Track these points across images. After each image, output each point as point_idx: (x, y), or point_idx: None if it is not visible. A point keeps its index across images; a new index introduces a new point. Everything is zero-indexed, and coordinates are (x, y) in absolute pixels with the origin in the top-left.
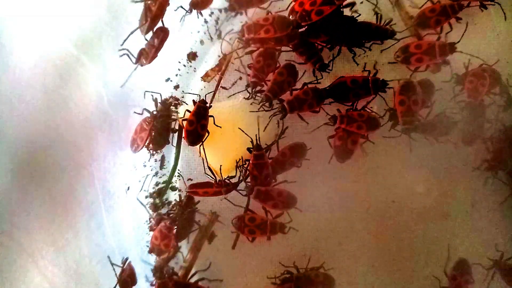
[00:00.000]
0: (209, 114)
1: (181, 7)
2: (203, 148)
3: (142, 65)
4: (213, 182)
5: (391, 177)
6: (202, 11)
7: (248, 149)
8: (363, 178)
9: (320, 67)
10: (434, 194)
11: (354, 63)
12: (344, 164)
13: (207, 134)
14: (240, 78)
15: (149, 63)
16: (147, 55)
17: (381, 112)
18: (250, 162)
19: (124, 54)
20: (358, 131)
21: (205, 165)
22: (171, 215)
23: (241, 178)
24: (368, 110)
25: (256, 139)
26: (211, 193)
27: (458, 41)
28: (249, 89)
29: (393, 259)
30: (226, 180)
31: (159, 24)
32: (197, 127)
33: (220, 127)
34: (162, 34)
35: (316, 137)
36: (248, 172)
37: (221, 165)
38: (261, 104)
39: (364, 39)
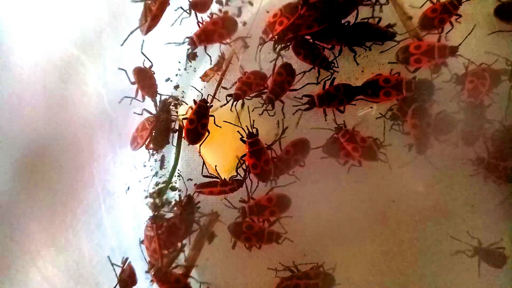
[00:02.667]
0: (209, 114)
1: (181, 8)
2: (199, 151)
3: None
4: (218, 181)
5: (391, 177)
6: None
7: (242, 139)
8: (363, 178)
9: (326, 66)
10: (434, 194)
11: (355, 62)
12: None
13: (207, 133)
14: (240, 78)
15: (153, 97)
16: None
17: (381, 113)
18: (247, 151)
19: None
20: (351, 152)
21: (203, 168)
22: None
23: (245, 175)
24: (376, 141)
25: (248, 128)
26: (216, 193)
27: (460, 44)
28: (231, 100)
29: (393, 259)
30: (230, 180)
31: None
32: (198, 126)
33: (220, 127)
34: (136, 76)
35: (317, 137)
36: (247, 166)
37: (216, 165)
38: (264, 106)
39: (365, 40)
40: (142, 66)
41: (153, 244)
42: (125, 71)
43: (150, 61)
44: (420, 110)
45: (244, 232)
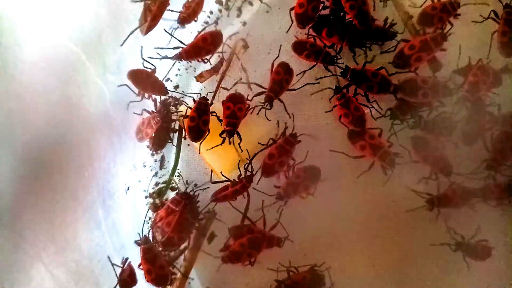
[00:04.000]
0: (210, 111)
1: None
2: (199, 151)
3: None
4: (228, 184)
5: (391, 177)
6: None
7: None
8: (363, 178)
9: (330, 60)
10: (434, 194)
11: (355, 62)
12: (344, 164)
13: (208, 131)
14: (241, 79)
15: (163, 94)
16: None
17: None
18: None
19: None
20: (343, 118)
21: (212, 174)
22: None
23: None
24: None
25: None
26: (230, 195)
27: (448, 31)
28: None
29: (393, 259)
30: (238, 179)
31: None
32: (199, 123)
33: (221, 124)
34: (132, 80)
35: (314, 137)
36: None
37: (215, 165)
38: (264, 105)
39: (365, 40)
40: (135, 68)
41: (171, 217)
42: (127, 85)
43: (152, 64)
44: (419, 142)
45: (244, 235)
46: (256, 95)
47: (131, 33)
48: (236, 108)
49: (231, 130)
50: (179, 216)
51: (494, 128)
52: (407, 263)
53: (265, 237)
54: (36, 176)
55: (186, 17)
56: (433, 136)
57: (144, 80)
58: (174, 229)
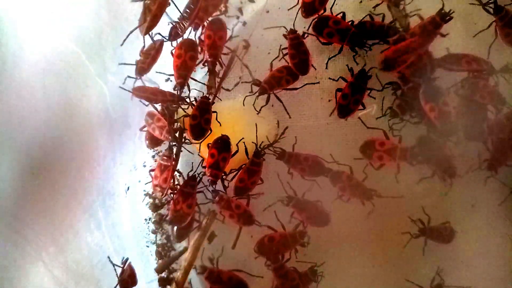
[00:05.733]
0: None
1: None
2: (199, 150)
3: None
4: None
5: (391, 177)
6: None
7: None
8: (363, 177)
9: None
10: (434, 194)
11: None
12: (344, 164)
13: (209, 131)
14: (240, 78)
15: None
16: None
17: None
18: None
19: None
20: None
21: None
22: None
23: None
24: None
25: None
26: (247, 177)
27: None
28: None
29: (392, 259)
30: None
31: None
32: (201, 121)
33: (220, 124)
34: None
35: (315, 137)
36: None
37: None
38: (256, 96)
39: (367, 39)
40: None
41: (165, 173)
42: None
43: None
44: (425, 141)
45: (269, 246)
46: (253, 83)
47: (131, 32)
48: (220, 157)
49: (213, 181)
50: (173, 169)
51: (494, 128)
52: (408, 263)
53: (287, 237)
54: (36, 176)
55: (145, 67)
56: (436, 134)
57: (148, 90)
58: (178, 197)
